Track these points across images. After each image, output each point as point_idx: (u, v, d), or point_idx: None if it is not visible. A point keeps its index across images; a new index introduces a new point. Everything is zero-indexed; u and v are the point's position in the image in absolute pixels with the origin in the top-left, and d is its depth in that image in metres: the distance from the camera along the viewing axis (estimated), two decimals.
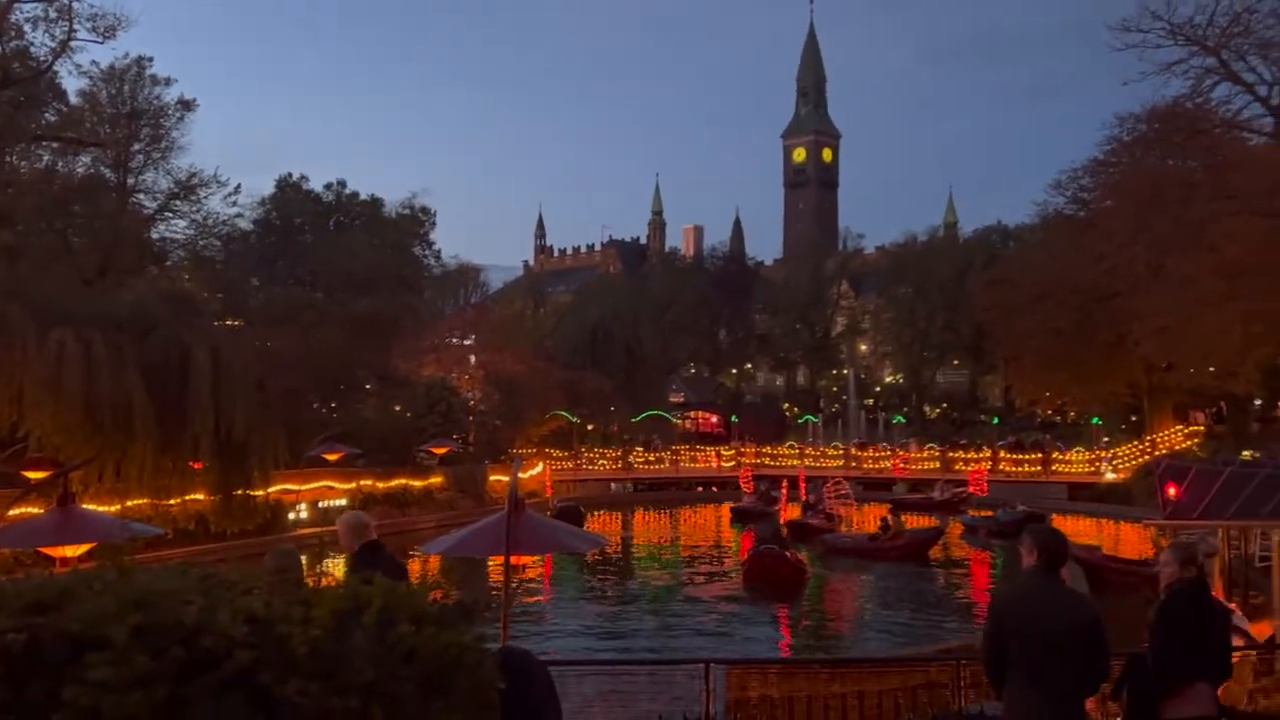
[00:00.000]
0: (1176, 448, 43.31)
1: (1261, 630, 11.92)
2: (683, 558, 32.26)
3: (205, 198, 43.60)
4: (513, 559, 6.41)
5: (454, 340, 52.38)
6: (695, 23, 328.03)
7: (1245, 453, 28.34)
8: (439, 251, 60.27)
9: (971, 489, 42.16)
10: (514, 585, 19.91)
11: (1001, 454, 48.34)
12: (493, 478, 40.55)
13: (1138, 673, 5.79)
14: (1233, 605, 12.19)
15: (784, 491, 39.70)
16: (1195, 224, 31.74)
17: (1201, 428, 47.74)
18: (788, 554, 25.84)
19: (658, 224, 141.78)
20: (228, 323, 38.92)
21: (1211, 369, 40.18)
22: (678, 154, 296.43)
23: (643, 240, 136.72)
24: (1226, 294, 30.75)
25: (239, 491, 28.33)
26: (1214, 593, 8.39)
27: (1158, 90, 34.05)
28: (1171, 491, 12.88)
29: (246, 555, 23.31)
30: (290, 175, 55.97)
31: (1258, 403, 47.12)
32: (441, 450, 40.01)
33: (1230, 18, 31.01)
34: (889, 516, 32.43)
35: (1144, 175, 36.35)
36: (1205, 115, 34.18)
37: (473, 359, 50.25)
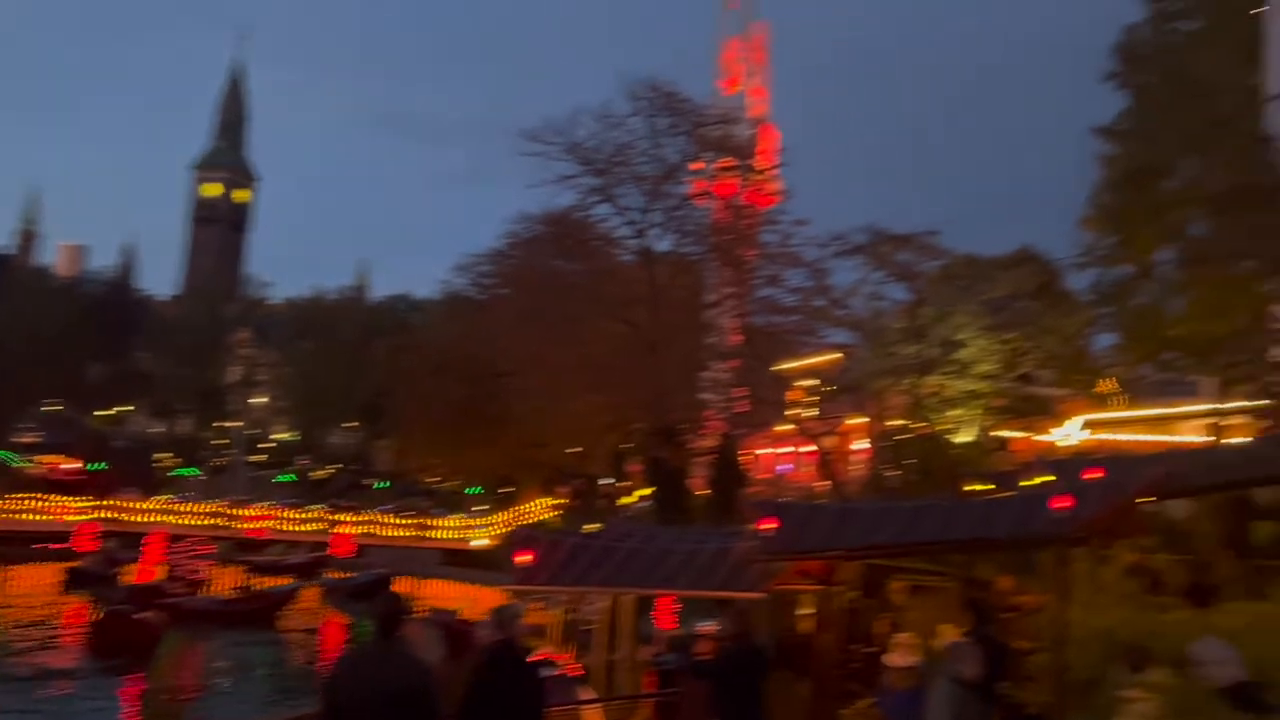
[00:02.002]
0: (540, 518, 47.75)
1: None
2: (7, 627, 27.54)
3: None
4: None
5: None
6: (96, 25, 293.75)
7: (590, 525, 32.11)
8: None
9: (333, 551, 42.42)
10: None
11: (384, 518, 49.26)
12: None
13: None
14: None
15: (145, 551, 36.11)
16: (572, 321, 35.87)
17: (564, 501, 53.24)
18: (138, 617, 23.53)
19: (30, 236, 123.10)
20: None
21: (575, 450, 45.34)
22: (66, 163, 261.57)
23: (9, 252, 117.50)
24: (589, 385, 35.02)
25: None
26: (535, 653, 9.27)
27: (555, 197, 38.13)
28: (524, 558, 13.86)
29: None
30: None
31: (608, 481, 53.89)
32: None
33: (614, 149, 36.11)
34: (246, 579, 31.50)
35: (535, 271, 40.32)
36: (588, 227, 39.09)
37: None
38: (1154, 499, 11.37)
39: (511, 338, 39.55)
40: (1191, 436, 31.51)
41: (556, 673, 12.21)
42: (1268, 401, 18.36)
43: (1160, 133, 30.52)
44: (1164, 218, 29.46)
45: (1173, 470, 12.16)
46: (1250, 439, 21.46)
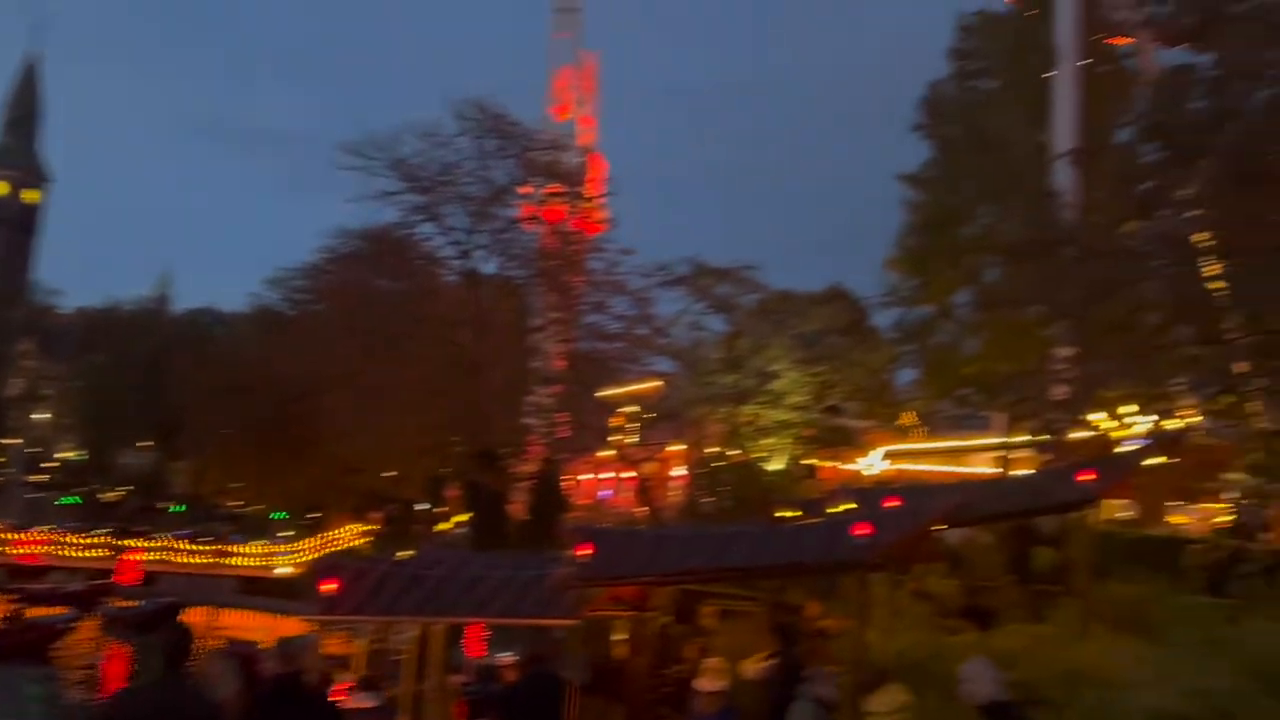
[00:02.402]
0: (350, 545, 46.11)
1: None
2: None
3: None
4: None
5: None
6: None
7: (402, 552, 31.22)
8: None
9: (118, 578, 39.72)
10: None
11: (179, 543, 46.37)
12: None
13: None
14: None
15: None
16: (391, 340, 34.94)
17: (376, 527, 51.57)
18: None
19: None
20: None
21: (390, 474, 44.07)
22: None
23: None
24: (407, 407, 34.17)
25: None
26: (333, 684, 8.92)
27: (376, 213, 37.06)
28: (329, 587, 13.32)
29: None
30: None
31: (425, 506, 52.64)
32: None
33: (440, 168, 35.48)
34: (16, 609, 29.12)
35: (353, 288, 39.09)
36: (412, 245, 38.24)
37: None
38: (947, 527, 12.02)
39: (325, 356, 38.13)
40: (983, 468, 33.75)
41: (376, 703, 11.67)
42: (1048, 437, 19.85)
43: (960, 183, 32.83)
44: (962, 262, 31.62)
45: (965, 500, 12.91)
46: (1033, 471, 23.12)
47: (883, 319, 37.63)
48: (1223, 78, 15.88)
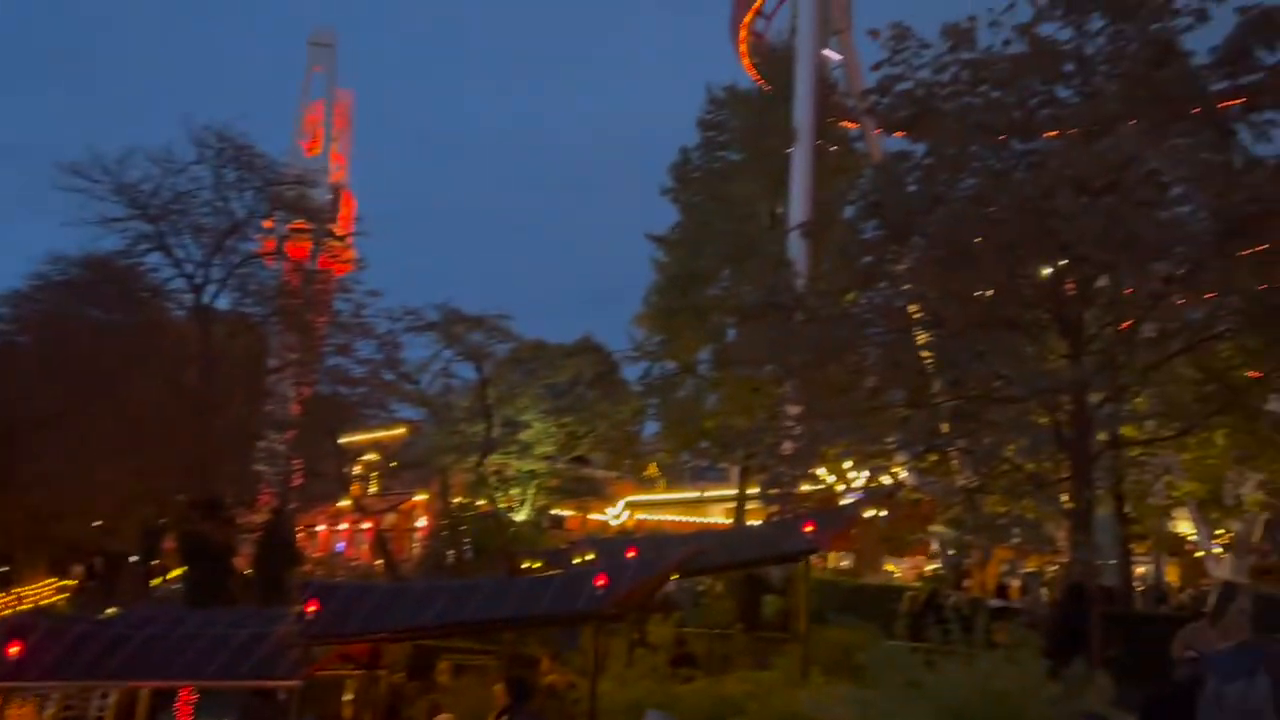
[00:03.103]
0: (47, 602, 41.56)
1: None
2: None
3: None
4: None
5: None
6: None
7: (110, 609, 28.48)
8: None
9: None
10: None
11: None
12: None
13: None
14: None
15: None
16: (106, 375, 32.12)
17: (76, 582, 46.87)
18: None
19: None
20: None
21: (98, 523, 40.15)
22: None
23: None
24: (122, 451, 31.42)
25: None
26: None
27: (98, 239, 33.97)
28: (13, 650, 11.96)
29: None
30: None
31: (136, 559, 48.38)
32: None
33: (173, 195, 33.12)
34: None
35: (66, 319, 35.73)
36: (136, 276, 35.39)
37: None
38: (680, 576, 12.36)
39: (24, 392, 34.37)
40: (719, 518, 35.16)
41: None
42: (776, 490, 20.96)
43: (704, 246, 34.52)
44: (704, 322, 33.11)
45: (699, 550, 13.36)
46: (762, 522, 24.29)
47: (630, 373, 38.66)
48: (933, 166, 17.58)
